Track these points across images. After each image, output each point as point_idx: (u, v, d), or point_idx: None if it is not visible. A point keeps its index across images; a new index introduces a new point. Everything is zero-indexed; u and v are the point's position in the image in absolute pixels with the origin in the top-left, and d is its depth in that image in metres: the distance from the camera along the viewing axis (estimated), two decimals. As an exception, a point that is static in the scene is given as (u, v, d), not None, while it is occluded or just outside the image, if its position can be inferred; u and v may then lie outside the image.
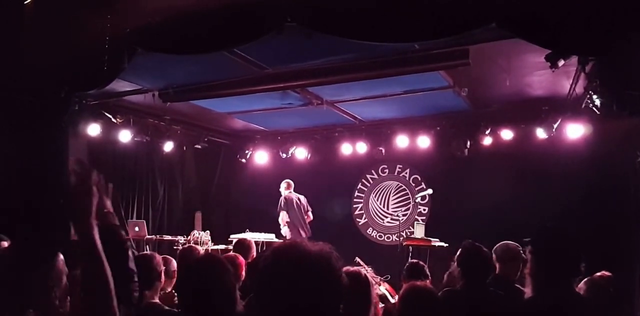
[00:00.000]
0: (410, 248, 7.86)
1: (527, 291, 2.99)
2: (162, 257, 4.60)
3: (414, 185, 10.25)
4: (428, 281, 4.54)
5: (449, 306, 3.36)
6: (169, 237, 9.31)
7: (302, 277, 1.43)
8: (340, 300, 1.47)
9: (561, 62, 5.27)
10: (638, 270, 5.88)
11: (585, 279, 3.91)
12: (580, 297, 3.26)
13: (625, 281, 5.32)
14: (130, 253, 2.48)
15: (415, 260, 5.72)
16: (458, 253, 3.89)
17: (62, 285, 1.92)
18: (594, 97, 6.12)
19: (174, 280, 4.41)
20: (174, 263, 4.61)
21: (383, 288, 7.17)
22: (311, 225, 9.64)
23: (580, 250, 2.93)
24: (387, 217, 10.29)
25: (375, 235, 10.43)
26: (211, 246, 8.80)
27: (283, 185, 9.77)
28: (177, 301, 4.04)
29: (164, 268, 3.86)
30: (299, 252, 1.47)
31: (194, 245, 7.16)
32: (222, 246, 8.88)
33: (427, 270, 5.07)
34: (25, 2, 5.23)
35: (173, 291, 4.28)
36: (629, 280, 5.53)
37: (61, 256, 1.92)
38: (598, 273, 4.32)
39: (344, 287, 1.49)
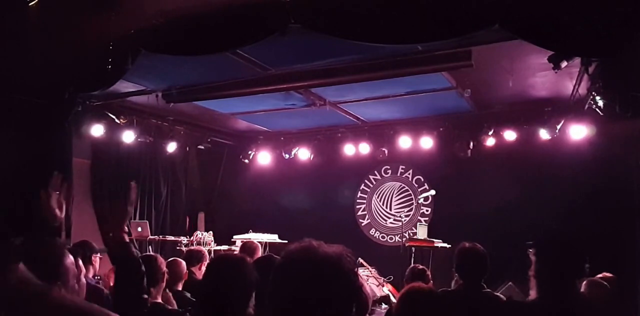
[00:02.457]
0: (413, 249, 7.86)
1: (532, 293, 2.99)
2: (173, 259, 4.72)
3: (416, 186, 10.24)
4: (430, 284, 4.56)
5: (446, 306, 3.36)
6: (171, 238, 9.30)
7: (313, 279, 1.44)
8: (352, 301, 1.48)
9: (564, 64, 5.28)
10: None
11: (586, 280, 3.91)
12: (585, 298, 3.27)
13: (629, 282, 5.31)
14: (142, 269, 2.54)
15: (417, 264, 5.74)
16: (455, 253, 3.91)
17: (70, 284, 1.91)
18: (597, 98, 6.11)
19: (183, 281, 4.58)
20: (184, 265, 4.71)
21: (386, 289, 7.17)
22: None
23: (584, 251, 2.93)
24: (389, 218, 10.27)
25: (378, 236, 10.42)
26: (214, 247, 8.80)
27: None
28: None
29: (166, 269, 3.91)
30: (311, 254, 1.48)
31: (198, 245, 7.18)
32: (225, 247, 8.88)
33: (428, 274, 5.08)
34: (30, 4, 5.25)
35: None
36: (633, 281, 5.52)
37: (71, 258, 1.92)
38: (599, 275, 4.33)
39: (357, 288, 1.49)
